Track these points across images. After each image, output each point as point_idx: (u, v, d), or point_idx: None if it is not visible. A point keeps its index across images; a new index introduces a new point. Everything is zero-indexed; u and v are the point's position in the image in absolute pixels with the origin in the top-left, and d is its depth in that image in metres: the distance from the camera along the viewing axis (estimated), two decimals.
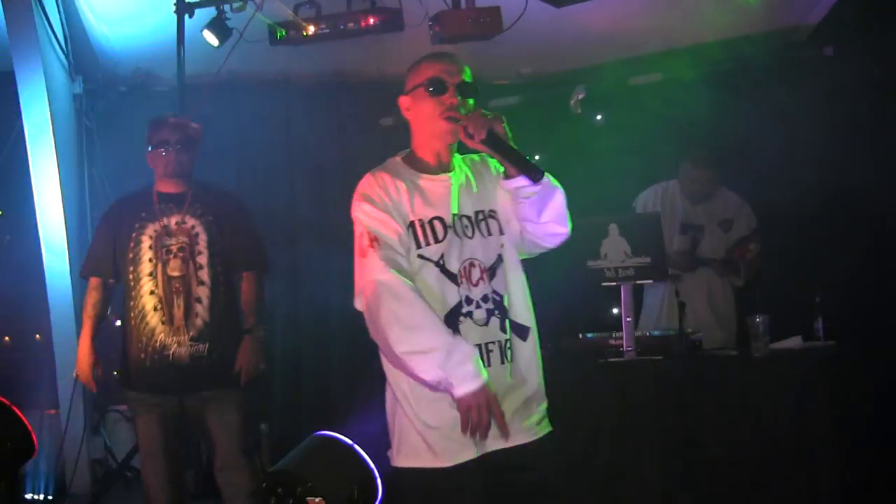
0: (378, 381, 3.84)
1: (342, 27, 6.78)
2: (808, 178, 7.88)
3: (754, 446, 5.50)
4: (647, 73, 8.37)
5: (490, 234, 3.74)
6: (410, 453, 3.68)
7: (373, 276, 3.56)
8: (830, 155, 7.75)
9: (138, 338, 5.46)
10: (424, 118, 3.75)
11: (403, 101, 3.81)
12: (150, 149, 5.58)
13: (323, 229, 8.27)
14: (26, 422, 3.11)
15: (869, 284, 7.38)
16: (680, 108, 7.92)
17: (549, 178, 3.60)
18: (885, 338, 6.66)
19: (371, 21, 6.73)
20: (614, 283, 5.95)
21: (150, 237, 5.50)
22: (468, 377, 3.43)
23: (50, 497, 2.99)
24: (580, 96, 8.16)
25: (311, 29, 6.83)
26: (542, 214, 3.65)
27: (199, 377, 5.42)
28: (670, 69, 8.23)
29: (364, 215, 3.67)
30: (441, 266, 3.65)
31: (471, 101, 3.69)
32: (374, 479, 2.42)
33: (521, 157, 3.55)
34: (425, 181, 3.75)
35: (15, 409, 3.13)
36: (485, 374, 3.47)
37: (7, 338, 8.46)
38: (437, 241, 3.66)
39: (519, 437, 3.68)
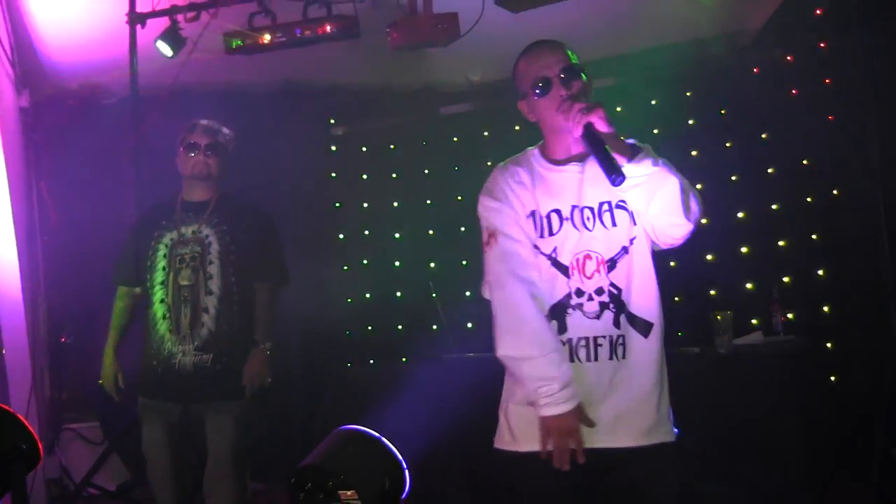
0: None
1: (298, 35, 6.73)
2: (761, 180, 7.96)
3: (723, 442, 5.54)
4: (600, 78, 8.38)
5: (615, 225, 3.60)
6: (517, 436, 3.63)
7: (490, 273, 3.64)
8: (782, 153, 7.86)
9: (150, 345, 5.52)
10: (543, 119, 3.69)
11: (522, 106, 3.75)
12: (179, 151, 5.63)
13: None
14: (32, 430, 3.06)
15: (822, 277, 7.48)
16: (632, 112, 8.00)
17: (661, 167, 3.42)
18: (842, 330, 6.78)
19: (328, 28, 6.68)
20: None
21: (166, 245, 5.57)
22: (556, 400, 3.42)
23: None
24: None
25: (267, 38, 6.78)
26: (650, 206, 3.49)
27: (202, 386, 5.42)
28: (623, 73, 8.27)
29: (484, 210, 3.73)
30: (552, 258, 3.60)
31: (580, 82, 3.61)
32: (403, 470, 2.39)
33: (605, 157, 3.41)
34: (551, 172, 3.69)
35: (20, 417, 3.08)
36: (573, 402, 3.41)
37: None
38: (550, 233, 3.62)
39: (624, 440, 3.54)
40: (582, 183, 3.63)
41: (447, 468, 6.31)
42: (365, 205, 9.15)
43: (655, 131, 8.01)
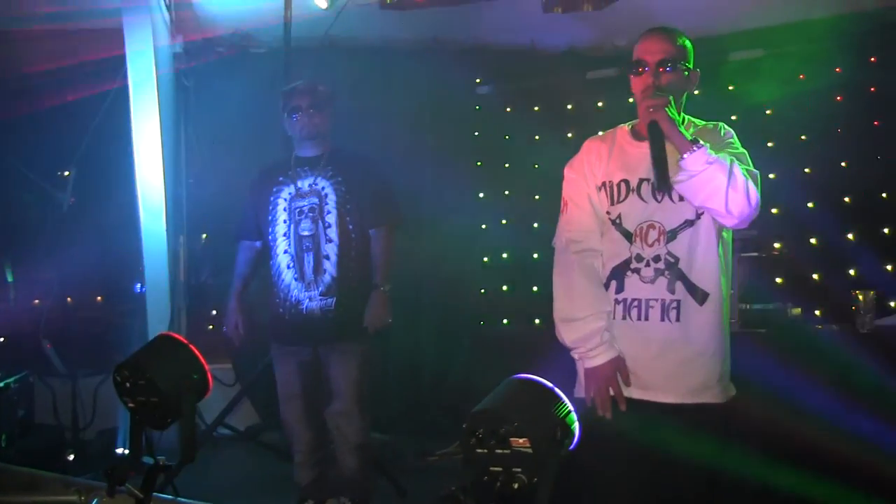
0: None
1: None
2: None
3: (861, 422, 5.46)
4: (748, 49, 8.28)
5: (682, 199, 3.88)
6: (580, 384, 4.04)
7: (558, 237, 4.16)
8: None
9: (276, 293, 5.86)
10: (635, 96, 3.99)
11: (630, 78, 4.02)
12: (285, 117, 5.86)
13: (418, 194, 8.25)
14: (203, 361, 3.15)
15: None
16: (778, 84, 7.90)
17: (712, 166, 3.71)
18: None
19: None
20: None
21: (285, 199, 5.83)
22: (594, 354, 3.93)
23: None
24: None
25: None
26: (695, 199, 3.82)
27: (328, 329, 5.74)
28: (771, 45, 8.15)
29: (564, 180, 4.19)
30: (618, 224, 3.99)
31: (672, 75, 3.92)
32: (575, 422, 2.42)
33: (658, 159, 3.82)
34: (631, 146, 4.03)
35: (193, 347, 3.18)
36: (608, 354, 3.92)
37: (69, 298, 8.56)
38: (618, 201, 4.00)
39: (673, 396, 3.90)
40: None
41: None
42: (507, 165, 9.13)
43: (804, 108, 7.90)
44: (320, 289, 5.73)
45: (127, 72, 7.27)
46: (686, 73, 3.98)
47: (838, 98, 8.02)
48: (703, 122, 4.08)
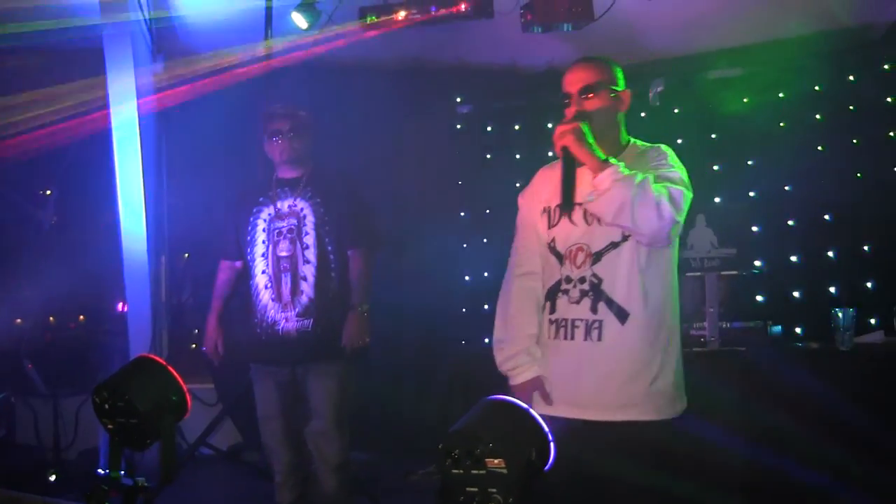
0: None
1: (433, 13, 6.79)
2: (884, 176, 7.83)
3: (841, 439, 5.48)
4: (727, 67, 8.32)
5: (600, 223, 4.00)
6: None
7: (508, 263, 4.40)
8: None
9: (254, 314, 5.88)
10: None
11: None
12: (265, 139, 5.89)
13: (400, 213, 8.26)
14: (182, 382, 3.16)
15: None
16: (759, 103, 7.94)
17: (615, 186, 3.82)
18: None
19: (462, 7, 6.73)
20: (699, 273, 5.96)
21: (265, 220, 5.87)
22: (514, 374, 4.21)
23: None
24: (659, 89, 8.17)
25: (402, 14, 6.86)
26: (604, 216, 3.95)
27: (306, 350, 5.75)
28: (750, 63, 8.20)
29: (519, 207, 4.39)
30: (552, 247, 4.16)
31: (595, 101, 4.08)
32: (549, 441, 2.44)
33: (564, 181, 4.01)
34: (579, 170, 4.04)
35: (171, 369, 3.18)
36: (527, 374, 4.17)
37: (52, 318, 8.55)
38: (553, 225, 4.16)
39: (595, 413, 4.04)
40: (585, 183, 4.00)
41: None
42: (488, 183, 9.15)
43: (782, 125, 7.95)
44: (297, 310, 5.76)
45: (107, 92, 7.24)
46: (613, 94, 4.12)
47: (817, 116, 8.06)
48: (648, 145, 4.19)
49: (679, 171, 4.01)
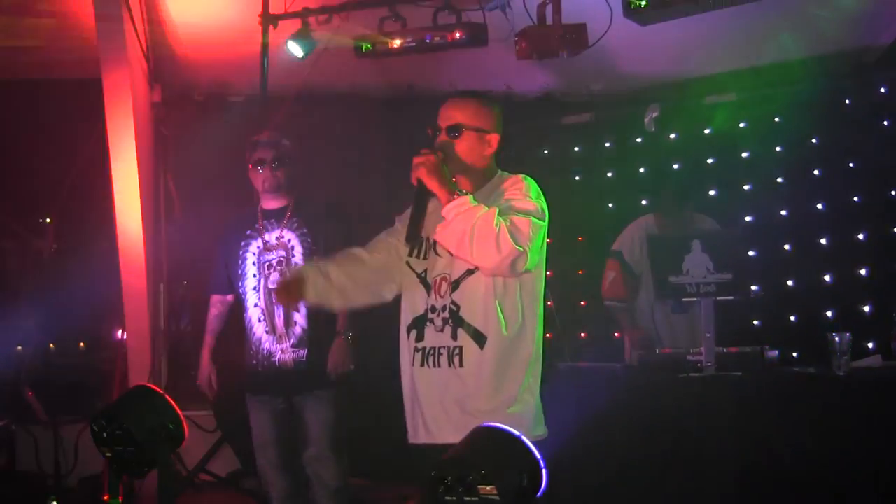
0: None
1: (428, 41, 6.80)
2: (881, 199, 7.85)
3: (838, 465, 5.47)
4: (722, 93, 8.34)
5: (451, 253, 4.08)
6: None
7: None
8: None
9: (249, 346, 5.95)
10: None
11: None
12: (249, 168, 5.94)
13: None
14: (179, 411, 3.18)
15: None
16: (755, 127, 7.98)
17: (456, 217, 3.88)
18: None
19: (457, 35, 6.72)
20: (695, 299, 5.97)
21: (254, 253, 5.94)
22: None
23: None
24: (654, 114, 8.19)
25: (397, 42, 6.87)
26: (450, 249, 4.03)
27: (301, 379, 5.85)
28: (746, 88, 8.23)
29: None
30: (423, 279, 4.24)
31: (455, 141, 4.17)
32: (541, 468, 2.46)
33: (413, 212, 4.09)
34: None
35: (168, 397, 3.21)
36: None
37: (52, 345, 8.57)
38: (425, 258, 4.26)
39: (454, 436, 3.81)
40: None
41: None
42: None
43: (778, 148, 7.98)
44: (292, 340, 5.83)
45: (105, 120, 7.26)
46: (479, 136, 4.19)
47: (813, 140, 8.09)
48: (510, 175, 4.26)
49: (533, 200, 4.06)
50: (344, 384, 5.91)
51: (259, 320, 5.87)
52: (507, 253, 3.83)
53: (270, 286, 5.79)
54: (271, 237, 5.90)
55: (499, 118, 4.26)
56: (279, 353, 5.82)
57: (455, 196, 3.89)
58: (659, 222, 7.24)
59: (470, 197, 3.91)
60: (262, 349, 5.86)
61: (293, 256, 5.83)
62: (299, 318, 5.81)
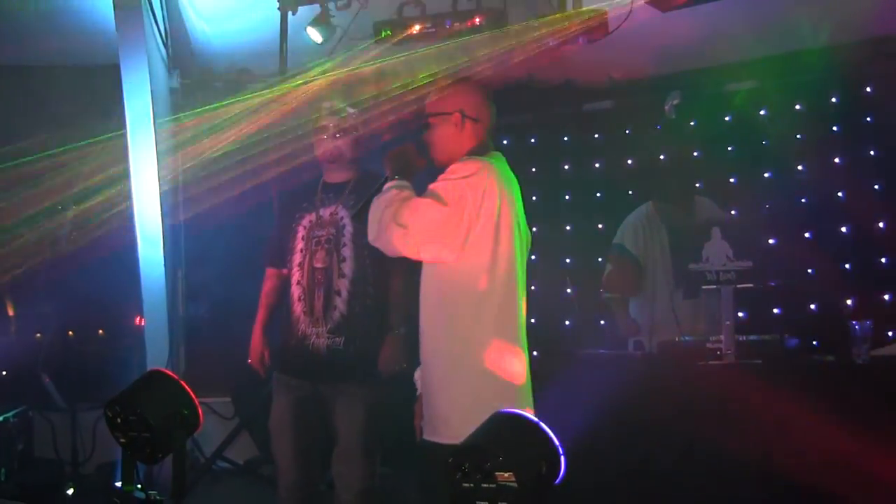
0: None
1: (448, 26, 6.78)
2: None
3: (858, 453, 5.44)
4: (744, 80, 8.30)
5: None
6: None
7: None
8: None
9: (287, 324, 5.57)
10: None
11: None
12: (312, 137, 5.69)
13: None
14: (194, 397, 3.17)
15: None
16: (775, 116, 7.93)
17: (377, 199, 4.47)
18: None
19: (476, 21, 6.71)
20: (715, 286, 5.94)
21: (305, 227, 5.60)
22: None
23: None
24: (675, 102, 8.15)
25: (417, 28, 6.84)
26: None
27: (335, 369, 5.42)
28: (767, 76, 8.18)
29: None
30: None
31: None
32: (560, 456, 2.43)
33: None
34: None
35: (183, 383, 3.20)
36: None
37: (71, 332, 8.58)
38: None
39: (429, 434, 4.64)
40: None
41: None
42: None
43: (799, 136, 7.92)
44: (329, 326, 5.42)
45: (124, 107, 7.25)
46: (442, 119, 4.58)
47: (834, 127, 8.03)
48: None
49: (448, 184, 4.29)
50: (388, 383, 5.47)
51: (299, 299, 5.50)
52: (395, 237, 4.30)
53: (315, 264, 5.47)
54: (326, 213, 5.54)
55: (464, 94, 4.52)
56: (314, 336, 5.42)
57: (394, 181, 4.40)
58: (658, 208, 7.21)
59: (396, 182, 4.38)
60: (298, 330, 5.47)
61: (343, 236, 5.46)
62: (340, 302, 5.41)
